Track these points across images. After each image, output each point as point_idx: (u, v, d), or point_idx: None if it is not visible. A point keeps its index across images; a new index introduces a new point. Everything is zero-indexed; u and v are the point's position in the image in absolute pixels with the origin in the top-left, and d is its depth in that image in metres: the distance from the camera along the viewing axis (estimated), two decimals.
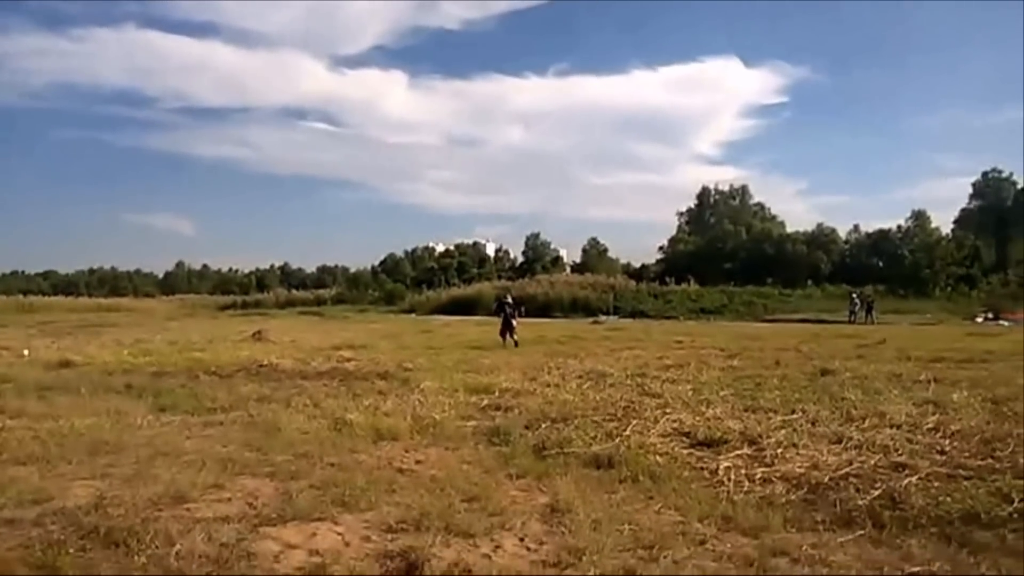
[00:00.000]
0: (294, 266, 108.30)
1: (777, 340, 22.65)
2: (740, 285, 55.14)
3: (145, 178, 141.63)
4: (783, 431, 8.14)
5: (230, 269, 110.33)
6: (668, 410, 9.60)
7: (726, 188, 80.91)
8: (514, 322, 23.49)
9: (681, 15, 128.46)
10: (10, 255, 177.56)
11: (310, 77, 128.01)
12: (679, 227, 79.79)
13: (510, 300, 24.87)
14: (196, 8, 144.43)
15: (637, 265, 75.69)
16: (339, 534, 5.13)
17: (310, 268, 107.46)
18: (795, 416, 9.08)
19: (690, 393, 11.17)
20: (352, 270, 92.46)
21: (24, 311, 56.31)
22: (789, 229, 70.16)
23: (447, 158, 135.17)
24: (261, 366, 15.36)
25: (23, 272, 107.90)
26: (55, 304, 64.40)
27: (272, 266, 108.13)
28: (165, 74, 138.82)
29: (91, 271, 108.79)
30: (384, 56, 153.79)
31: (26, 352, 19.39)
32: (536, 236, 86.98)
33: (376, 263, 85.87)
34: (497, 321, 24.30)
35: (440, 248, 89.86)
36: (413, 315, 50.54)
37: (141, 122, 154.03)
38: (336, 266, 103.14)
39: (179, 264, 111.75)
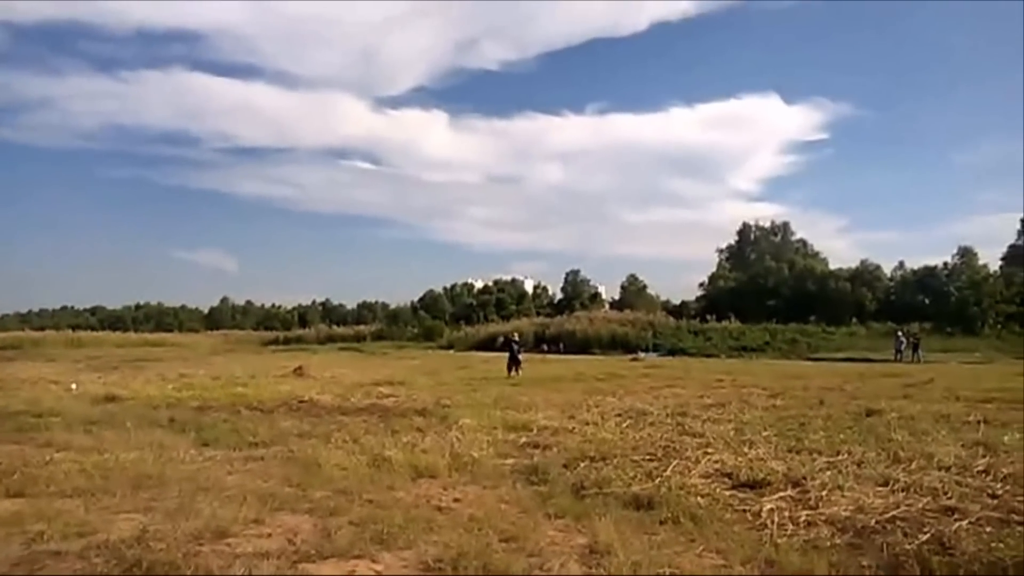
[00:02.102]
0: (335, 302, 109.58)
1: (821, 379, 22.27)
2: (782, 323, 54.37)
3: (190, 216, 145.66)
4: (828, 473, 7.97)
5: (273, 305, 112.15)
6: (709, 450, 9.46)
7: (767, 224, 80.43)
8: (520, 357, 26.35)
9: (719, 53, 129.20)
10: (60, 291, 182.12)
11: (352, 118, 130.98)
12: (719, 264, 79.05)
13: (516, 338, 29.01)
14: (241, 51, 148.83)
15: (676, 302, 75.19)
16: (377, 572, 5.12)
17: (351, 304, 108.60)
18: (840, 457, 8.90)
19: (732, 433, 11.00)
20: (392, 306, 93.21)
21: (73, 346, 57.76)
22: (832, 266, 69.07)
23: (486, 196, 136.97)
24: (301, 402, 15.55)
25: (72, 307, 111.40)
26: (103, 339, 66.08)
27: (314, 302, 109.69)
28: (210, 115, 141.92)
29: (137, 307, 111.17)
30: (425, 96, 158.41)
31: (74, 386, 19.84)
32: (575, 273, 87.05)
33: (415, 299, 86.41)
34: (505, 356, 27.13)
35: (479, 284, 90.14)
36: (451, 351, 50.70)
37: (187, 161, 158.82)
38: (376, 302, 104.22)
39: (223, 300, 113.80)
